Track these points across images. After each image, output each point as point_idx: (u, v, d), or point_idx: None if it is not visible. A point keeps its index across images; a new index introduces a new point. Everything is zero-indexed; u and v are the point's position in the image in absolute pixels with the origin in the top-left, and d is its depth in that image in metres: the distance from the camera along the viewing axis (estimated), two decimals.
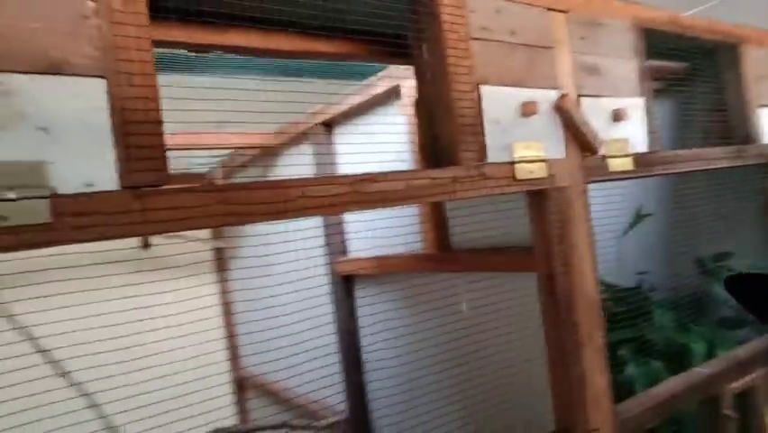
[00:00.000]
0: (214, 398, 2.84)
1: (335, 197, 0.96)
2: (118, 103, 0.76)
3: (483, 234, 1.73)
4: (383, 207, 1.04)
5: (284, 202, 0.90)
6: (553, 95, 1.32)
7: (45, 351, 2.69)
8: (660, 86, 2.39)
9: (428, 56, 1.21)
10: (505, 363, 1.72)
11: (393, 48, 1.39)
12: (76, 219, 0.72)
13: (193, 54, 1.39)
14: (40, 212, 0.70)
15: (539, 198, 1.31)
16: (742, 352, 1.75)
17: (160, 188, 0.79)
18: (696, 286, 2.45)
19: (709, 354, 2.02)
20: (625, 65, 1.51)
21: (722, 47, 1.89)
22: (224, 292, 3.55)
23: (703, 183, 2.48)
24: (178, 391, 2.50)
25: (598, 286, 1.37)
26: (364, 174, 1.00)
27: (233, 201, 0.85)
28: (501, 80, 1.22)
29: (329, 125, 2.32)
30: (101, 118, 0.75)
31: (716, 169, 1.79)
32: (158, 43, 1.10)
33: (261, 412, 3.25)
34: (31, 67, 0.71)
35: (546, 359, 1.36)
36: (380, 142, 2.06)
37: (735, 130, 1.94)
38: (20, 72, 0.70)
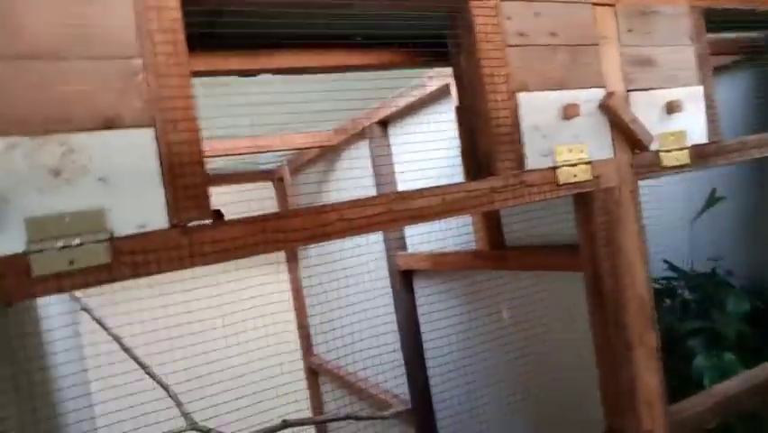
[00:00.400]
0: (288, 383, 3.02)
1: (372, 217, 1.00)
2: (165, 148, 0.84)
3: (537, 232, 1.72)
4: (420, 222, 1.07)
5: (323, 226, 0.96)
6: (598, 93, 1.29)
7: (120, 339, 2.94)
8: (731, 61, 2.24)
9: (465, 65, 1.21)
10: (559, 362, 1.72)
11: (435, 53, 1.41)
12: (132, 257, 0.81)
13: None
14: (100, 254, 0.79)
15: (584, 199, 1.29)
16: None
17: (204, 223, 0.87)
18: None
19: None
20: (681, 53, 1.44)
21: None
22: (295, 283, 3.72)
23: None
24: (255, 377, 2.67)
25: (649, 286, 1.34)
26: (399, 192, 1.03)
27: (273, 230, 0.92)
28: (541, 85, 1.21)
29: (384, 124, 2.36)
30: (150, 164, 0.83)
31: None
32: (202, 74, 1.19)
33: (330, 398, 3.39)
34: (89, 125, 0.79)
35: (597, 359, 1.35)
36: (432, 140, 2.08)
37: None
38: (80, 131, 0.79)
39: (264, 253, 0.91)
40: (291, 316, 3.69)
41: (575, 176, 1.23)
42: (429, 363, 2.41)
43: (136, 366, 2.83)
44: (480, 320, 2.07)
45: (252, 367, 2.84)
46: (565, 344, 1.68)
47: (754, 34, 2.04)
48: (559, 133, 1.23)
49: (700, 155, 1.42)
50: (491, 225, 1.82)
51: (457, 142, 1.97)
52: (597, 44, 1.30)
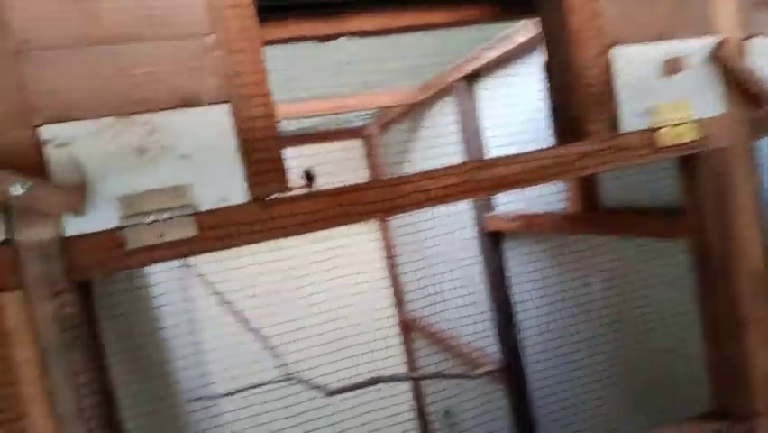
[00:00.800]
0: (382, 339, 3.11)
1: (450, 187, 0.97)
2: (241, 124, 0.86)
3: (636, 195, 1.60)
4: (501, 191, 1.02)
5: (397, 198, 0.94)
6: (708, 42, 1.15)
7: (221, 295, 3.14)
8: None
9: (552, 18, 1.12)
10: (660, 336, 1.62)
11: (521, 5, 1.32)
12: (216, 231, 0.84)
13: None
14: (187, 228, 0.83)
15: (691, 162, 1.17)
16: None
17: (282, 196, 0.88)
18: None
19: None
20: None
21: None
22: (387, 241, 3.77)
23: None
24: (350, 331, 2.78)
25: (765, 256, 1.21)
26: (478, 161, 0.99)
27: (349, 203, 0.91)
28: (639, 37, 1.09)
29: (470, 79, 2.27)
30: (228, 139, 0.85)
31: None
32: (277, 41, 1.18)
33: (423, 354, 3.46)
34: (168, 104, 0.82)
35: (704, 333, 1.25)
36: (519, 97, 1.97)
37: None
38: (160, 110, 0.82)
39: (341, 225, 0.91)
40: (384, 273, 3.76)
41: (679, 137, 1.12)
42: (520, 326, 2.38)
43: (241, 323, 3.03)
44: (570, 285, 1.99)
45: (347, 322, 2.96)
46: (666, 316, 1.57)
47: None
48: (660, 91, 1.11)
49: None
50: (586, 185, 1.71)
51: (546, 99, 1.86)
52: None
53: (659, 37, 1.10)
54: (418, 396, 3.60)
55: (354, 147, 3.83)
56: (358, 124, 3.72)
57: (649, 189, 1.55)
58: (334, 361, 2.60)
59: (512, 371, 2.43)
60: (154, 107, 0.81)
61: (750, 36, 1.17)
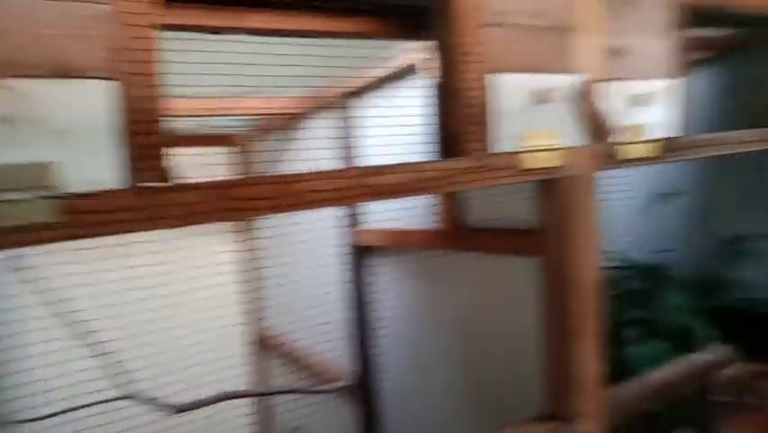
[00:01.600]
0: (231, 356, 2.98)
1: (342, 190, 0.98)
2: (125, 104, 0.79)
3: (497, 215, 1.73)
4: (390, 198, 1.05)
5: (287, 196, 0.92)
6: (572, 80, 1.29)
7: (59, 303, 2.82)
8: (704, 57, 2.28)
9: (442, 41, 1.19)
10: (508, 345, 1.75)
11: (416, 25, 1.38)
12: (83, 217, 0.76)
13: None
14: (50, 211, 0.73)
15: (549, 186, 1.30)
16: None
17: (164, 185, 0.82)
18: (715, 268, 2.41)
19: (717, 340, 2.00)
20: (657, 45, 1.45)
21: None
22: (245, 253, 3.64)
23: (738, 163, 2.40)
24: (199, 348, 2.63)
25: (599, 274, 1.37)
26: (370, 167, 1.01)
27: (237, 197, 0.88)
28: (516, 67, 1.20)
29: (351, 96, 2.31)
30: (109, 119, 0.78)
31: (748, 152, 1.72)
32: (171, 27, 1.12)
33: (275, 372, 3.37)
34: (45, 72, 0.73)
35: (542, 343, 1.37)
36: (400, 117, 2.05)
37: None
38: (34, 77, 0.72)
39: (227, 221, 0.87)
40: (238, 287, 3.61)
41: (542, 162, 1.24)
42: (378, 341, 2.42)
43: (75, 334, 2.71)
44: (431, 300, 2.08)
45: (196, 338, 2.79)
46: (514, 328, 1.70)
47: (726, 32, 2.07)
48: (530, 118, 1.22)
49: (669, 148, 1.44)
50: (453, 204, 1.82)
51: (426, 121, 1.95)
52: (576, 29, 1.30)
53: (533, 69, 1.22)
54: (268, 413, 3.49)
55: (225, 154, 3.67)
56: (230, 130, 3.58)
57: (510, 211, 1.69)
58: (180, 380, 2.44)
59: (364, 386, 2.46)
60: (28, 73, 0.72)
61: (606, 80, 1.34)
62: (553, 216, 1.30)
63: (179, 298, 2.88)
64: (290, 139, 2.98)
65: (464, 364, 1.97)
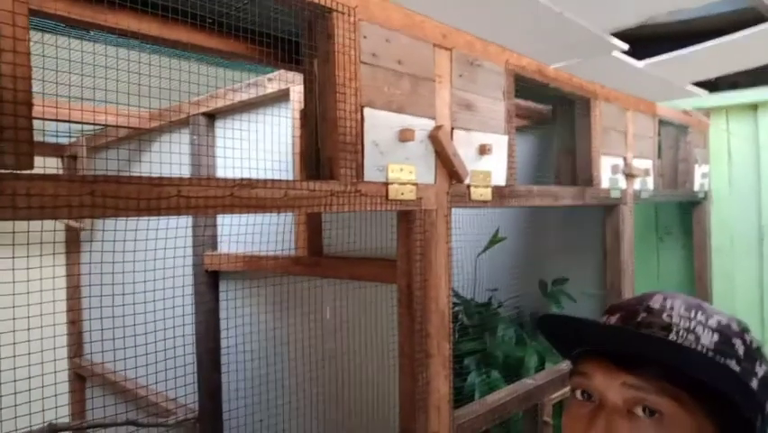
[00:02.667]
0: (51, 385, 2.63)
1: (213, 198, 0.97)
2: None
3: (355, 244, 1.81)
4: (260, 212, 1.06)
5: (158, 199, 0.90)
6: (430, 124, 1.43)
7: None
8: (527, 123, 2.65)
9: (318, 72, 1.25)
10: (362, 370, 1.81)
11: (286, 53, 1.43)
12: None
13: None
14: None
15: (407, 217, 1.41)
16: (564, 366, 1.99)
17: (21, 172, 0.75)
18: (536, 305, 2.75)
19: (541, 367, 2.28)
20: (495, 105, 1.66)
21: (578, 98, 2.15)
22: (73, 272, 3.29)
23: (554, 214, 2.79)
24: (14, 376, 2.28)
25: (450, 302, 1.50)
26: (244, 179, 1.02)
27: (103, 194, 0.83)
28: (384, 105, 1.30)
29: (212, 117, 2.27)
30: None
31: (564, 205, 2.02)
32: (34, 13, 1.04)
33: (102, 404, 3.05)
34: None
35: (398, 366, 1.46)
36: (262, 141, 2.06)
37: (581, 172, 2.21)
38: None
39: (89, 218, 0.82)
40: (63, 309, 3.24)
41: (402, 194, 1.34)
42: (224, 369, 2.33)
43: None
44: (286, 327, 2.07)
45: (11, 364, 2.42)
46: (371, 351, 1.77)
47: (541, 106, 2.45)
48: (394, 152, 1.33)
49: (499, 195, 1.65)
50: (313, 231, 1.86)
51: (286, 147, 1.99)
52: (433, 80, 1.45)
53: (398, 109, 1.33)
54: None
55: (51, 165, 3.32)
56: (62, 140, 3.26)
57: (366, 242, 1.78)
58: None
59: (209, 419, 2.35)
60: None
61: (456, 128, 1.50)
62: (410, 246, 1.40)
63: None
64: (138, 153, 2.80)
65: (319, 389, 1.98)
